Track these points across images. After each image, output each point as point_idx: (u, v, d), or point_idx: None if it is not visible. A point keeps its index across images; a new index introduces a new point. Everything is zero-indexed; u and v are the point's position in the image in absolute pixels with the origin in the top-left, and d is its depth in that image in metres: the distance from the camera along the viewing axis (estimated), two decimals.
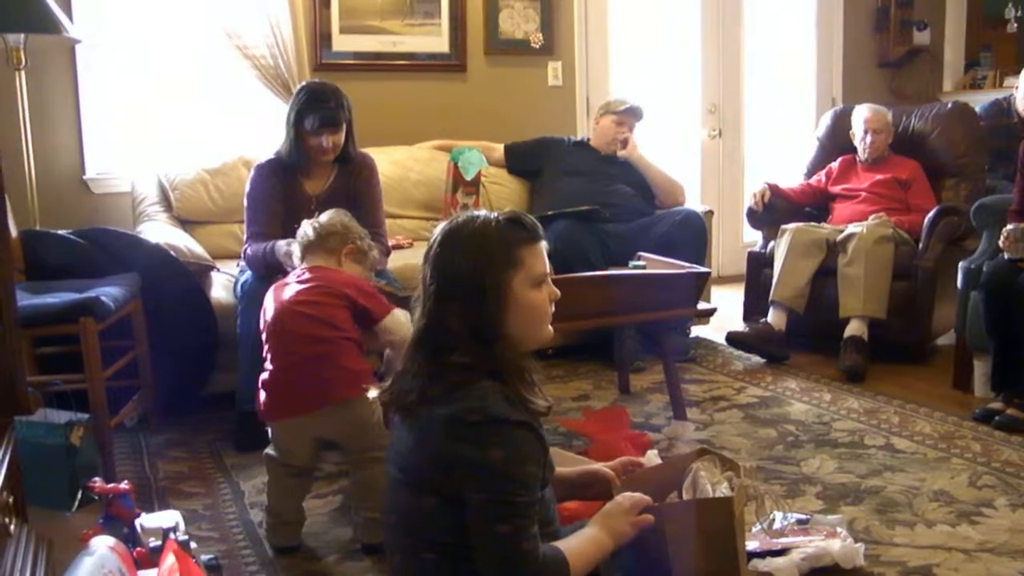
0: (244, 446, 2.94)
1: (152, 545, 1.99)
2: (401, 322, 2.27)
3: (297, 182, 3.16)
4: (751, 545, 2.05)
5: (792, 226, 4.00)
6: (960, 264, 3.41)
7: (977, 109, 4.36)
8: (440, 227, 1.62)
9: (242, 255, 3.14)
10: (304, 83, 3.28)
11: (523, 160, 4.44)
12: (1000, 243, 3.07)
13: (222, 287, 3.37)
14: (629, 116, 4.25)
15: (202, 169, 3.90)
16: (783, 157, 5.60)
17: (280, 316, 2.28)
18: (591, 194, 4.00)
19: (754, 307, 4.17)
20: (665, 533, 1.64)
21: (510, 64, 4.88)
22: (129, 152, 4.14)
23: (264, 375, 2.29)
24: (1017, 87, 4.19)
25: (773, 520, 2.20)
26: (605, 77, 5.18)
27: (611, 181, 4.13)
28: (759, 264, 4.19)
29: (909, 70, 6.08)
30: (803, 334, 4.03)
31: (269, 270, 2.92)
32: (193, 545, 2.08)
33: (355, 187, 3.20)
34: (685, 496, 1.76)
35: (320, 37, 4.43)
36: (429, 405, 1.55)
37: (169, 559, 1.77)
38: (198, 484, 2.75)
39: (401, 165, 4.27)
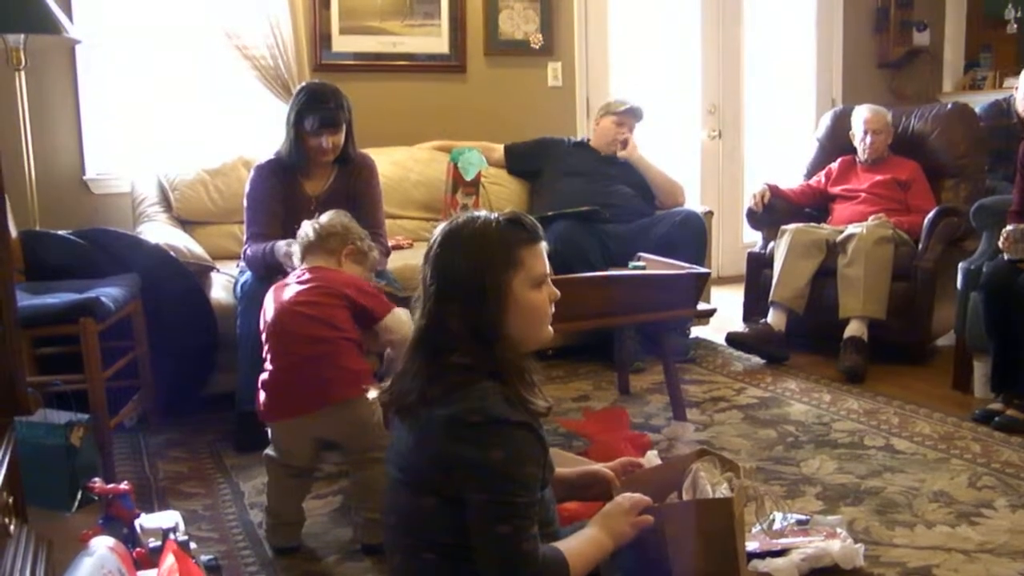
0: (244, 446, 2.94)
1: (152, 545, 1.99)
2: (402, 320, 2.27)
3: (297, 183, 3.16)
4: (751, 546, 2.05)
5: (792, 227, 4.00)
6: (960, 265, 3.41)
7: (977, 110, 4.36)
8: (440, 228, 1.62)
9: (242, 256, 3.14)
10: (304, 84, 3.28)
11: (523, 161, 4.44)
12: (1000, 244, 3.07)
13: (222, 287, 3.37)
14: (629, 117, 4.25)
15: (202, 169, 3.91)
16: (783, 158, 5.60)
17: (280, 316, 2.28)
18: (591, 195, 4.00)
19: (754, 308, 4.17)
20: (665, 534, 1.64)
21: (510, 65, 4.88)
22: (129, 152, 4.14)
23: (264, 375, 2.29)
24: (1017, 88, 4.19)
25: (773, 521, 2.20)
26: (605, 78, 5.18)
27: (611, 182, 4.13)
28: (759, 265, 4.19)
29: (909, 71, 6.08)
30: (803, 335, 4.03)
31: (269, 271, 2.92)
32: (193, 545, 2.08)
33: (355, 188, 3.20)
34: (685, 497, 1.77)
35: (320, 38, 4.43)
36: (429, 406, 1.55)
37: (169, 560, 1.77)
38: (198, 484, 2.75)
39: (401, 166, 4.27)
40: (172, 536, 2.02)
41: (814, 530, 2.21)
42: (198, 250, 3.39)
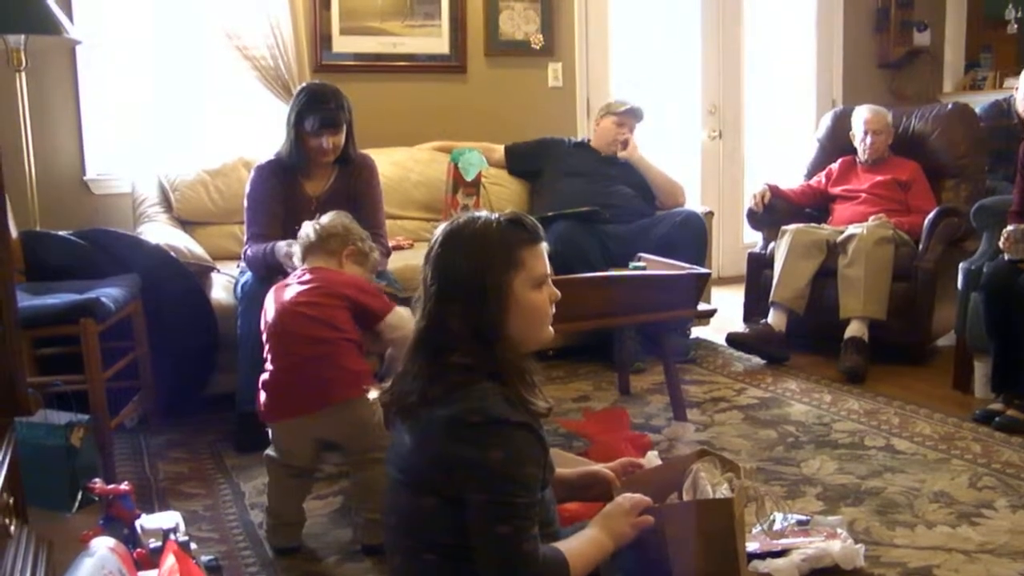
0: (244, 447, 2.94)
1: (152, 546, 1.99)
2: (404, 319, 2.26)
3: (297, 183, 3.16)
4: (751, 546, 2.05)
5: (792, 227, 4.00)
6: (960, 265, 3.41)
7: (977, 110, 4.36)
8: (441, 228, 1.62)
9: (242, 256, 3.14)
10: (304, 84, 3.28)
11: (523, 161, 4.44)
12: (1000, 244, 3.07)
13: (222, 288, 3.37)
14: (629, 117, 4.25)
15: (202, 170, 3.91)
16: (783, 158, 5.60)
17: (281, 317, 2.28)
18: (591, 195, 4.00)
19: (754, 308, 4.17)
20: (665, 534, 1.64)
21: (510, 65, 4.88)
22: (129, 153, 4.14)
23: (264, 376, 2.29)
24: (1017, 88, 4.19)
25: (773, 521, 2.20)
26: (605, 78, 5.18)
27: (611, 182, 4.13)
28: (759, 265, 4.19)
29: (909, 71, 6.08)
30: (803, 335, 4.03)
31: (269, 271, 2.92)
32: (193, 546, 2.08)
33: (355, 188, 3.20)
34: (685, 497, 1.76)
35: (320, 38, 4.43)
36: (429, 406, 1.55)
37: (169, 560, 1.77)
38: (198, 485, 2.75)
39: (401, 166, 4.27)
40: (173, 537, 2.02)
41: (814, 530, 2.21)
42: (198, 250, 3.39)
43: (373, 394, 2.13)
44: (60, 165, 4.01)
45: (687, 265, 3.20)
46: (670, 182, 4.29)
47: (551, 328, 1.66)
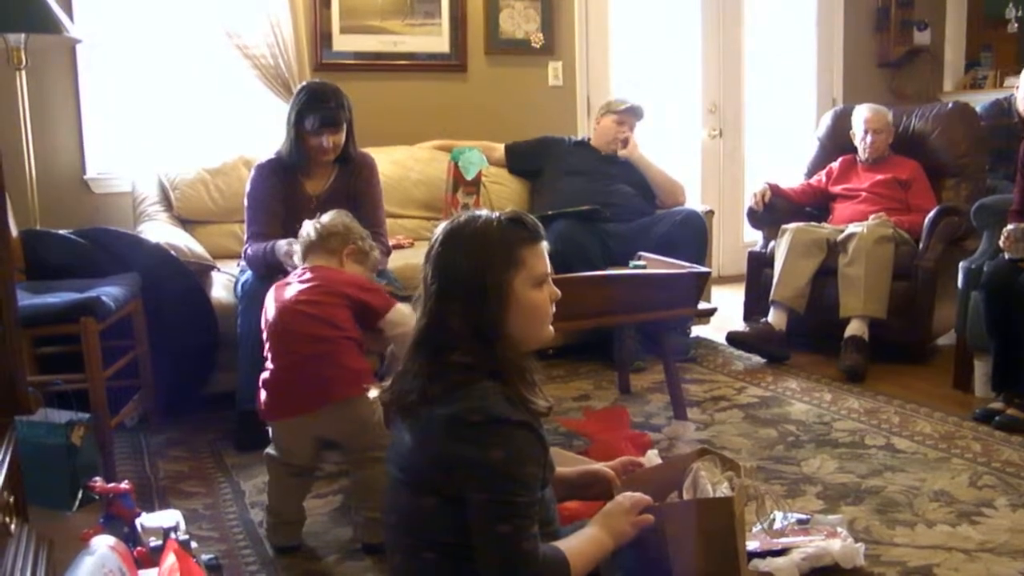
0: (244, 446, 2.94)
1: (152, 545, 1.99)
2: (405, 315, 2.26)
3: (297, 182, 3.16)
4: (751, 545, 2.05)
5: (792, 226, 4.00)
6: (960, 264, 3.41)
7: (977, 109, 4.36)
8: (442, 227, 1.62)
9: (242, 255, 3.15)
10: (304, 83, 3.28)
11: (524, 160, 4.44)
12: (1000, 243, 3.07)
13: (222, 287, 3.37)
14: (629, 116, 4.25)
15: (202, 169, 3.91)
16: (783, 157, 5.59)
17: (282, 315, 2.28)
18: (592, 194, 4.00)
19: (754, 307, 4.17)
20: (665, 533, 1.64)
21: (510, 64, 4.88)
22: (130, 152, 4.14)
23: (265, 374, 2.29)
24: (1017, 87, 4.18)
25: (773, 520, 2.20)
26: (605, 77, 5.18)
27: (612, 181, 4.13)
28: (759, 264, 4.19)
29: (909, 70, 6.08)
30: (803, 334, 4.03)
31: (269, 270, 2.92)
32: (194, 545, 2.09)
33: (355, 187, 3.20)
34: (685, 496, 1.76)
35: (320, 37, 4.43)
36: (430, 405, 1.55)
37: (169, 559, 1.77)
38: (198, 484, 2.75)
39: (401, 165, 4.27)
40: (173, 535, 2.02)
41: (815, 529, 2.21)
42: (199, 249, 3.39)
43: (373, 393, 2.13)
44: (60, 164, 4.01)
45: (687, 264, 3.20)
46: (670, 181, 4.28)
47: (551, 327, 1.66)
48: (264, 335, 2.34)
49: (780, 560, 2.06)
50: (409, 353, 1.63)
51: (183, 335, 3.19)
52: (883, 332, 3.76)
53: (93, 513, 2.38)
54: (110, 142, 4.14)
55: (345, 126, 3.11)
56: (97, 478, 2.28)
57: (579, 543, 1.58)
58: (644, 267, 3.26)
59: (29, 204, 3.54)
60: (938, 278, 3.74)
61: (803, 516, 2.30)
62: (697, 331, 4.27)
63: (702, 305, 3.23)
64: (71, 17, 3.75)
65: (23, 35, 3.51)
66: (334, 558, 2.25)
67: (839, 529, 2.20)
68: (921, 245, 3.83)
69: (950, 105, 4.33)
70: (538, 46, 4.92)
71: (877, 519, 2.36)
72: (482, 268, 1.56)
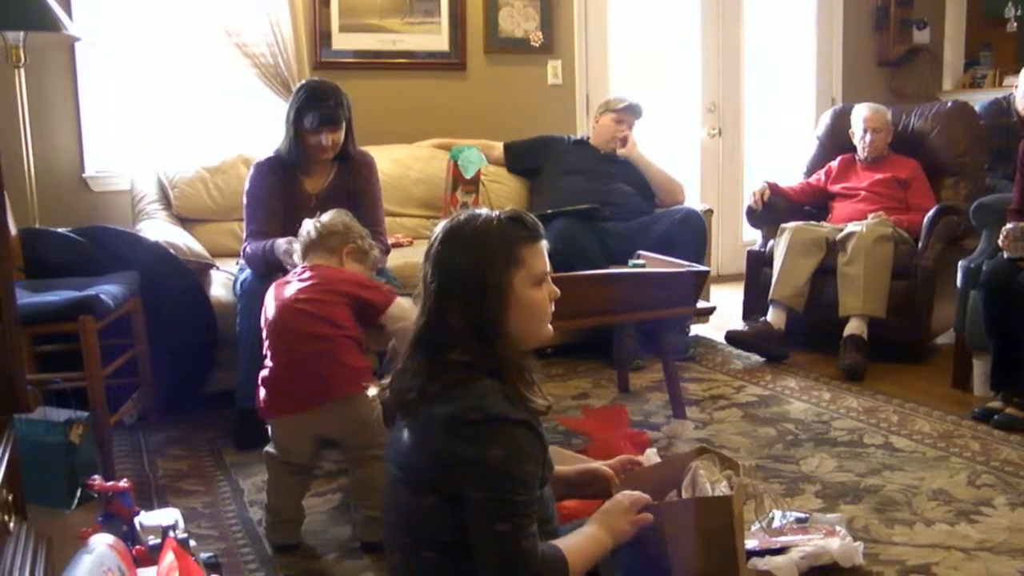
0: (244, 444, 2.94)
1: (151, 543, 1.99)
2: (406, 309, 2.26)
3: (297, 180, 3.15)
4: (750, 544, 2.05)
5: (791, 225, 4.00)
6: (960, 263, 3.41)
7: (977, 108, 4.36)
8: (441, 225, 1.62)
9: (241, 253, 3.14)
10: (304, 81, 3.27)
11: (523, 158, 4.44)
12: (1000, 242, 3.07)
13: (221, 285, 3.37)
14: (628, 114, 4.25)
15: (201, 167, 3.90)
16: (783, 156, 5.60)
17: (282, 314, 2.28)
18: (591, 192, 4.00)
19: (753, 306, 4.17)
20: (664, 531, 1.64)
21: (510, 63, 4.88)
22: (128, 150, 4.14)
23: (264, 372, 2.30)
24: (1017, 86, 4.18)
25: (772, 519, 2.20)
26: (605, 76, 5.18)
27: (611, 180, 4.13)
28: (758, 263, 4.19)
29: (909, 69, 6.08)
30: (802, 333, 4.03)
31: (268, 268, 2.92)
32: (192, 543, 2.08)
33: (355, 185, 3.20)
34: (684, 495, 1.76)
35: (320, 35, 4.43)
36: (429, 403, 1.55)
37: (168, 557, 1.77)
38: (197, 482, 2.75)
39: (401, 163, 4.27)
40: (172, 534, 2.02)
41: (813, 528, 2.21)
42: (198, 248, 3.38)
43: (372, 391, 2.14)
44: (59, 162, 4.01)
45: (686, 263, 3.20)
46: (669, 180, 4.28)
47: (550, 326, 1.66)
48: (264, 333, 2.34)
49: (779, 559, 2.06)
50: (408, 351, 1.63)
51: (182, 333, 3.19)
52: (882, 331, 3.76)
53: (92, 511, 2.38)
54: (109, 140, 4.14)
55: (344, 124, 3.10)
56: (96, 476, 2.27)
57: (578, 541, 1.58)
58: (643, 266, 3.26)
59: (28, 202, 3.54)
60: (937, 277, 3.75)
61: (802, 515, 2.30)
62: (696, 330, 4.27)
63: (701, 304, 3.22)
64: (70, 15, 3.74)
65: (22, 33, 3.50)
66: (333, 556, 2.25)
67: (838, 528, 2.20)
68: (920, 244, 3.83)
69: (949, 104, 4.33)
70: (537, 45, 4.92)
71: (876, 518, 2.36)
72: (482, 267, 1.56)
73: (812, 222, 4.13)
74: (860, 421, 3.13)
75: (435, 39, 4.68)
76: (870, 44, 6.00)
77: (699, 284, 3.13)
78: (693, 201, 4.54)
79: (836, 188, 4.27)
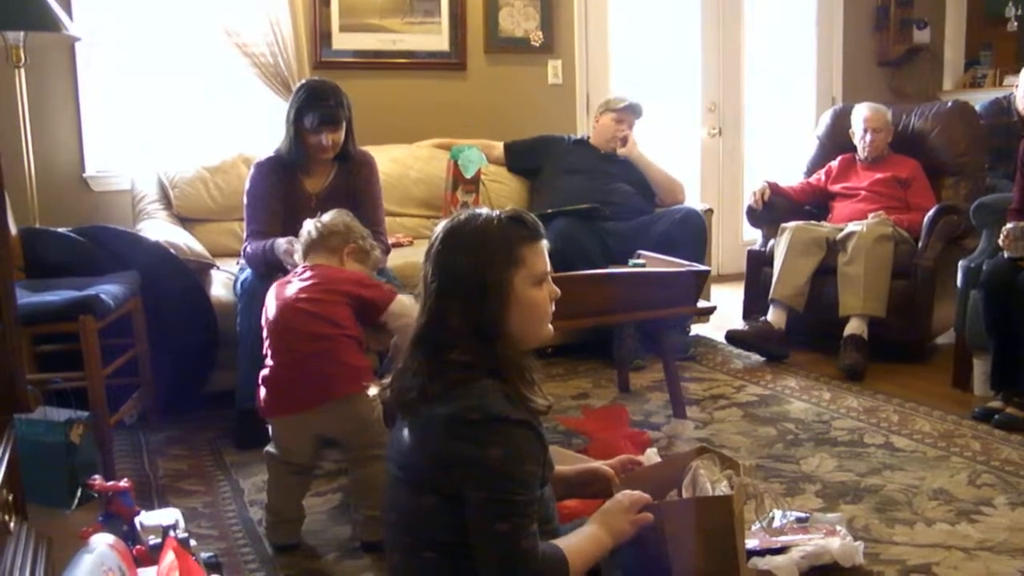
0: (244, 444, 2.94)
1: (152, 543, 1.99)
2: (407, 306, 2.26)
3: (297, 180, 3.15)
4: (751, 543, 2.05)
5: (792, 224, 4.00)
6: (960, 263, 3.41)
7: (977, 108, 4.36)
8: (442, 225, 1.62)
9: (242, 253, 3.14)
10: (304, 81, 3.27)
11: (523, 158, 4.44)
12: (1000, 242, 3.07)
13: (222, 285, 3.37)
14: (628, 114, 4.25)
15: (202, 167, 3.91)
16: (783, 156, 5.60)
17: (282, 313, 2.28)
18: (591, 192, 4.00)
19: (754, 305, 4.17)
20: (665, 531, 1.64)
21: (510, 62, 4.88)
22: (129, 150, 4.14)
23: (265, 372, 2.30)
24: (1017, 86, 4.18)
25: (772, 518, 2.20)
26: (605, 75, 5.18)
27: (611, 179, 4.13)
28: (759, 262, 4.19)
29: (909, 69, 6.08)
30: (803, 332, 4.03)
31: (269, 268, 2.92)
32: (193, 543, 2.08)
33: (355, 185, 3.20)
34: (685, 494, 1.76)
35: (320, 35, 4.43)
36: (429, 403, 1.55)
37: (169, 557, 1.77)
38: (198, 482, 2.75)
39: (401, 163, 4.27)
40: (172, 533, 2.02)
41: (814, 528, 2.21)
42: (198, 247, 3.38)
43: (373, 390, 2.14)
44: (59, 162, 4.01)
45: (687, 262, 3.20)
46: (669, 179, 4.28)
47: (551, 325, 1.66)
48: (264, 333, 2.34)
49: (779, 558, 2.06)
50: (408, 351, 1.63)
51: (182, 333, 3.19)
52: (882, 331, 3.76)
53: (92, 511, 2.38)
54: (109, 140, 4.14)
55: (344, 124, 3.10)
56: (96, 476, 2.27)
57: (578, 541, 1.58)
58: (643, 265, 3.26)
59: (28, 202, 3.54)
60: (937, 277, 3.75)
61: (802, 514, 2.30)
62: (696, 329, 4.27)
63: (701, 303, 3.22)
64: (70, 15, 3.74)
65: (22, 33, 3.50)
66: (333, 556, 2.25)
67: (838, 527, 2.20)
68: (920, 244, 3.83)
69: (949, 104, 4.33)
70: (537, 44, 4.92)
71: (876, 517, 2.36)
72: (482, 266, 1.56)
73: (812, 222, 4.13)
74: (860, 421, 3.13)
75: (435, 39, 4.68)
76: (870, 44, 6.00)
77: (699, 284, 3.13)
78: (693, 201, 4.54)
79: (836, 188, 4.27)
